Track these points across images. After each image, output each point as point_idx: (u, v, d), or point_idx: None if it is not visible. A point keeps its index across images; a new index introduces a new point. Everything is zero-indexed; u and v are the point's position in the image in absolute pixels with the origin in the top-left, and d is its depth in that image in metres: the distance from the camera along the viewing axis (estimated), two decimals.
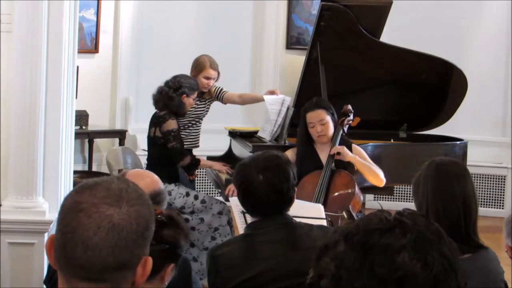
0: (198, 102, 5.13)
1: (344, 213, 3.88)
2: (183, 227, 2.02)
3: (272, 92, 5.11)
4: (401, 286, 1.06)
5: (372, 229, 1.11)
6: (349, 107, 4.35)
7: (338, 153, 4.09)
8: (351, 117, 4.34)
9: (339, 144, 4.16)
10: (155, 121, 4.72)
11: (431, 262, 1.07)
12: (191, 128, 5.12)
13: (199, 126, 5.20)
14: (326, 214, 3.38)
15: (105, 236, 1.22)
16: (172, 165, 4.70)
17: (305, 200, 3.83)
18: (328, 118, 4.15)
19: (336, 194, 4.03)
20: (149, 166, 4.75)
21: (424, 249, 1.08)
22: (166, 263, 1.91)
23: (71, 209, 1.26)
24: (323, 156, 4.18)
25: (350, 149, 4.19)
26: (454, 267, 1.10)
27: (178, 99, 4.71)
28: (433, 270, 1.07)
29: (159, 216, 1.98)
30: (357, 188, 4.00)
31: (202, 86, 5.06)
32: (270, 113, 4.95)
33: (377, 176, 4.10)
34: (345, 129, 4.30)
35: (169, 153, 4.66)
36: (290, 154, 4.20)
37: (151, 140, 4.74)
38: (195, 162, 4.78)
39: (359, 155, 4.19)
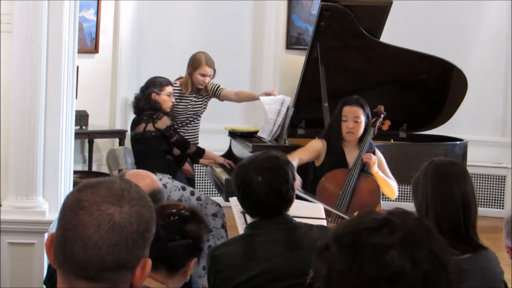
0: (195, 99, 5.16)
1: None
2: (205, 221, 2.06)
3: (268, 94, 5.10)
4: (393, 285, 1.05)
5: (361, 229, 1.10)
6: (382, 108, 4.37)
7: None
8: (382, 119, 4.36)
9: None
10: (145, 118, 4.75)
11: (420, 260, 1.07)
12: (189, 125, 5.14)
13: (198, 123, 5.23)
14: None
15: (105, 234, 1.22)
16: (164, 156, 4.77)
17: (329, 198, 3.89)
18: (363, 118, 4.18)
19: (361, 199, 4.08)
20: (141, 161, 4.79)
21: (412, 247, 1.08)
22: (189, 258, 1.94)
23: (72, 207, 1.26)
24: (350, 158, 4.20)
25: (373, 154, 4.22)
26: (444, 264, 1.09)
27: (146, 98, 4.77)
28: (422, 267, 1.07)
29: (182, 211, 2.01)
30: (380, 196, 4.07)
31: (198, 83, 5.12)
32: (269, 112, 4.96)
33: (393, 190, 4.19)
34: (376, 130, 4.33)
35: (169, 146, 4.75)
36: (319, 144, 4.21)
37: (141, 135, 4.74)
38: (201, 151, 4.91)
39: (380, 163, 4.23)
